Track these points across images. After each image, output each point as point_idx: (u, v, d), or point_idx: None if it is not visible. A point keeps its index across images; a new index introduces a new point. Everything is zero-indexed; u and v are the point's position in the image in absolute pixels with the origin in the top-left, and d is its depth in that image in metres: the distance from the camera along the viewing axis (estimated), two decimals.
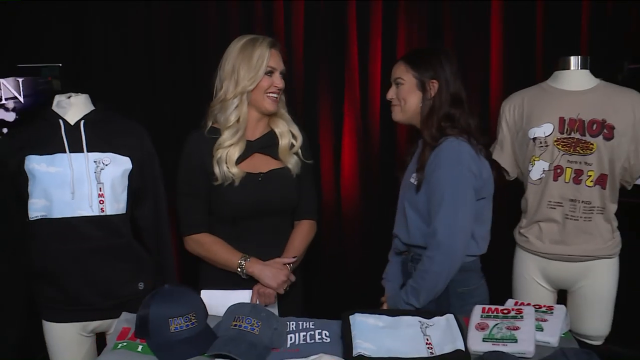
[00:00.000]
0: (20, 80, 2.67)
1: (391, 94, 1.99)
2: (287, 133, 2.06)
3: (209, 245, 1.98)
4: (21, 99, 2.68)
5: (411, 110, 1.94)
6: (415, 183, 1.89)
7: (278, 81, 1.97)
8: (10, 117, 2.66)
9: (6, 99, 2.65)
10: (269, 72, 1.96)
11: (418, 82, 1.92)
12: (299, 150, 2.08)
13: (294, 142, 2.07)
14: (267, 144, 2.03)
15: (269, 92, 1.96)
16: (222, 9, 3.00)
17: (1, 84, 2.64)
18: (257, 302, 1.92)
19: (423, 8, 3.02)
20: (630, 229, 2.48)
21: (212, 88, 2.02)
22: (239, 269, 1.93)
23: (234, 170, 1.94)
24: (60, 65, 2.74)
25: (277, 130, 2.05)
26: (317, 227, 2.17)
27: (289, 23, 3.02)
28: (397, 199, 2.06)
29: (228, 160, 1.95)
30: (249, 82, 1.93)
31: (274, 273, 1.94)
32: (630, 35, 2.97)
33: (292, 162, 2.04)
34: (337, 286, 3.12)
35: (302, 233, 2.09)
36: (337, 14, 3.02)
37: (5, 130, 2.64)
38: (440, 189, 1.81)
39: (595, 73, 2.16)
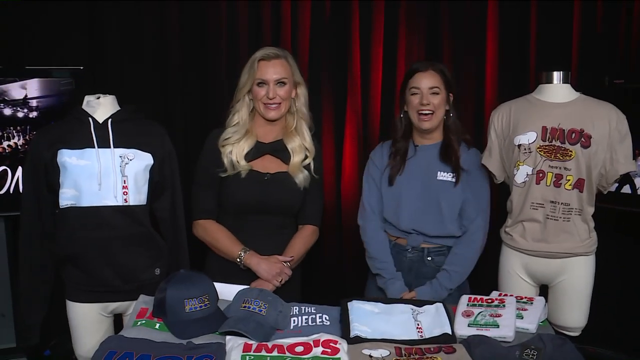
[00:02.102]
0: (42, 80, 2.78)
1: (428, 100, 2.11)
2: (300, 149, 2.15)
3: (213, 232, 2.12)
4: (37, 98, 2.81)
5: (439, 119, 2.16)
6: (453, 180, 2.13)
7: (270, 92, 2.06)
8: (34, 115, 2.78)
9: (30, 99, 2.79)
10: (260, 83, 2.07)
11: (446, 95, 2.15)
12: (311, 163, 2.18)
13: (307, 154, 2.17)
14: (278, 148, 2.14)
15: (264, 102, 2.08)
16: (231, 9, 3.05)
17: (26, 85, 2.77)
18: None
19: (422, 20, 3.11)
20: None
21: (226, 92, 2.18)
22: (238, 259, 2.06)
23: (242, 163, 2.07)
24: (72, 67, 2.82)
25: (289, 147, 2.14)
26: (319, 233, 2.27)
27: (296, 27, 3.07)
28: None
29: (237, 153, 2.08)
30: (240, 91, 2.11)
31: (269, 266, 2.05)
32: (619, 52, 3.09)
33: (300, 178, 2.14)
34: (334, 287, 3.17)
35: (303, 237, 2.19)
36: (340, 23, 3.08)
37: (29, 127, 2.77)
38: (486, 183, 2.21)
39: (583, 87, 2.27)
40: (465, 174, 2.14)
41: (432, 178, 2.16)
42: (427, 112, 2.12)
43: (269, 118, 2.11)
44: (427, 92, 2.12)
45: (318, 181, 2.22)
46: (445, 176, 2.15)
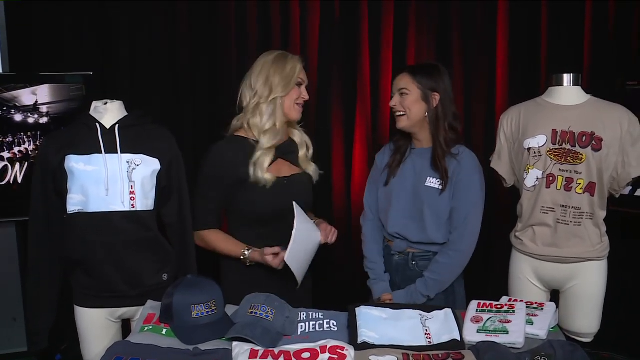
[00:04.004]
0: (52, 86, 2.81)
1: (395, 102, 2.13)
2: (304, 143, 2.19)
3: (212, 242, 2.12)
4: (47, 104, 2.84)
5: (416, 119, 2.12)
6: (440, 187, 2.08)
7: (305, 93, 2.12)
8: (44, 121, 2.81)
9: (40, 104, 2.81)
10: (299, 84, 2.10)
11: (422, 94, 2.09)
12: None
13: (307, 147, 2.21)
14: (288, 151, 2.15)
15: (297, 102, 2.11)
16: (240, 10, 3.07)
17: (36, 91, 2.80)
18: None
19: (432, 22, 3.11)
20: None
21: (235, 95, 2.13)
22: (242, 257, 2.07)
23: (267, 175, 2.06)
24: (83, 73, 2.85)
25: (296, 140, 2.18)
26: None
27: (305, 29, 3.09)
28: None
29: (260, 166, 2.05)
30: (282, 90, 2.07)
31: (264, 251, 2.02)
32: (631, 53, 3.06)
33: (312, 169, 2.19)
34: (344, 291, 3.18)
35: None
36: (349, 25, 3.09)
37: (39, 132, 2.79)
38: (474, 192, 2.08)
39: (595, 88, 2.27)
40: (452, 182, 2.09)
41: (421, 183, 2.13)
42: (398, 113, 2.14)
43: (295, 119, 2.14)
44: (397, 94, 2.14)
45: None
46: (433, 183, 2.11)
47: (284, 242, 2.04)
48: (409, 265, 2.17)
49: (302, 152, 2.19)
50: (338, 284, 3.17)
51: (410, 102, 2.10)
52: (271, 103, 2.08)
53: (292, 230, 1.96)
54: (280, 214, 2.08)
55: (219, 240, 2.13)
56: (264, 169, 2.06)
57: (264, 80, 2.08)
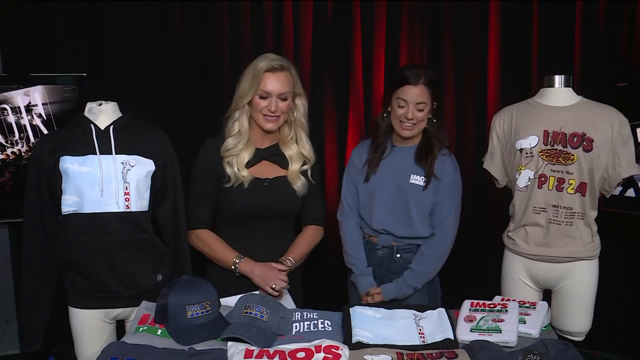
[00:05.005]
0: (45, 87, 2.80)
1: (414, 115, 2.11)
2: (298, 157, 2.16)
3: (209, 241, 2.13)
4: (41, 105, 2.83)
5: (421, 129, 2.19)
6: (423, 184, 2.14)
7: (273, 105, 2.05)
8: (37, 122, 2.79)
9: (33, 106, 2.80)
10: (263, 96, 2.05)
11: (431, 105, 2.15)
12: (309, 170, 2.19)
13: (306, 161, 2.18)
14: (274, 153, 2.15)
15: (265, 114, 2.07)
16: (233, 10, 3.04)
17: (29, 92, 2.79)
18: None
19: (424, 23, 3.10)
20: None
21: (228, 95, 2.17)
22: (232, 267, 2.07)
23: (244, 173, 2.08)
24: (76, 74, 2.84)
25: (287, 154, 2.15)
26: (323, 232, 2.29)
27: (298, 28, 3.07)
28: None
29: (239, 163, 2.09)
30: (241, 100, 2.09)
31: (262, 273, 2.04)
32: (621, 54, 3.09)
33: (299, 185, 2.15)
34: (336, 289, 3.17)
35: (307, 237, 2.21)
36: (341, 24, 3.08)
37: (32, 134, 2.77)
38: (457, 191, 2.20)
39: (585, 89, 2.28)
40: (436, 180, 2.15)
41: (404, 180, 2.18)
42: (409, 123, 2.15)
43: (266, 129, 2.11)
44: (414, 107, 2.11)
45: (316, 185, 2.24)
46: (417, 180, 2.16)
47: (261, 245, 2.10)
48: (393, 257, 2.23)
49: (293, 167, 2.15)
50: (332, 285, 3.17)
51: (423, 116, 2.15)
52: (238, 109, 2.11)
53: (262, 237, 2.10)
54: (258, 214, 2.10)
55: (217, 241, 2.13)
56: (243, 165, 2.09)
57: (240, 84, 2.11)
